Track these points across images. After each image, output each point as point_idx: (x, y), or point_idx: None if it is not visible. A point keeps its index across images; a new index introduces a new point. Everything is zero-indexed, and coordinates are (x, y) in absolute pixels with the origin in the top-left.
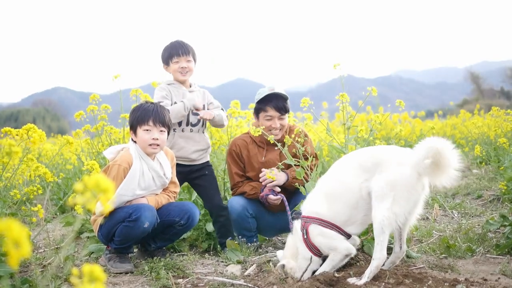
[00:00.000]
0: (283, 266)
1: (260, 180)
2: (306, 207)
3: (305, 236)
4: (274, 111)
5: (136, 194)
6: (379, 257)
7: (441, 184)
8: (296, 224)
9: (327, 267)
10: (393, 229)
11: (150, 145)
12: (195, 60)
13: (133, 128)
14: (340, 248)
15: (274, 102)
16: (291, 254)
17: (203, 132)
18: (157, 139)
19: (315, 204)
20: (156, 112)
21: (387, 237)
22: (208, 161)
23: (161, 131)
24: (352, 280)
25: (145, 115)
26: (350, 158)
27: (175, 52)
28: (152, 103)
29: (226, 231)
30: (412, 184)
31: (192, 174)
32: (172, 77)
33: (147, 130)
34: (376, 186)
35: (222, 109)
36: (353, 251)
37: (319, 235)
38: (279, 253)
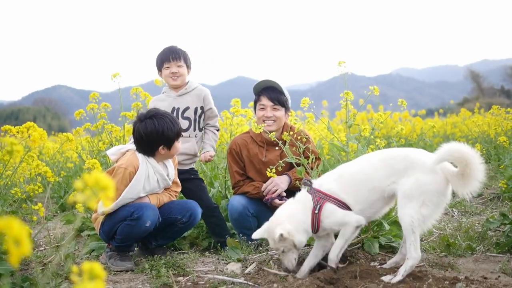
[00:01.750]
0: (282, 234)
1: (264, 192)
2: (324, 185)
3: (316, 212)
4: (267, 100)
5: (139, 196)
6: (414, 257)
7: (465, 193)
8: (306, 194)
9: (340, 243)
10: (422, 230)
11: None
12: (187, 65)
13: (170, 144)
14: (351, 221)
15: (267, 92)
16: (290, 222)
17: (195, 138)
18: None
19: (334, 186)
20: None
21: (418, 237)
22: (193, 168)
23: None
24: (386, 278)
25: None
26: (382, 157)
27: (165, 58)
28: (163, 116)
29: (221, 230)
30: (441, 190)
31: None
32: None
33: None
34: (405, 187)
35: (216, 130)
36: (363, 222)
37: (332, 214)
38: (256, 234)
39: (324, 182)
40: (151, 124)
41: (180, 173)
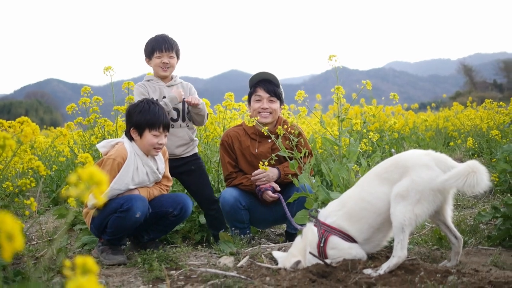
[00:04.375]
0: (299, 262)
1: (252, 178)
2: (329, 218)
3: (322, 245)
4: (263, 92)
5: (129, 188)
6: (399, 255)
7: (466, 192)
8: (312, 228)
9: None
10: (413, 228)
11: (155, 148)
12: (178, 56)
13: (140, 129)
14: (353, 254)
15: (264, 84)
16: (300, 256)
17: (187, 126)
18: (163, 144)
19: (338, 218)
20: (165, 117)
21: (407, 236)
22: (195, 154)
23: (165, 135)
24: (367, 271)
25: (156, 120)
26: (376, 173)
27: (158, 47)
28: (157, 104)
29: (219, 223)
30: (438, 188)
31: (178, 169)
32: (153, 71)
33: (156, 135)
34: (400, 187)
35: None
36: (365, 258)
37: (336, 247)
38: (276, 253)
39: (329, 214)
40: (137, 103)
41: (183, 163)
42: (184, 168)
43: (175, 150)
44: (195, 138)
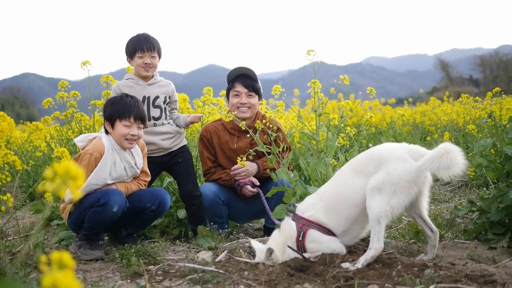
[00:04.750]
0: (272, 250)
1: (232, 173)
2: (306, 212)
3: (301, 239)
4: (242, 87)
5: (107, 183)
6: (376, 248)
7: (444, 177)
8: (290, 222)
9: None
10: (389, 220)
11: (127, 139)
12: (159, 56)
13: (112, 120)
14: (332, 247)
15: (242, 79)
16: (277, 249)
17: (168, 123)
18: (135, 135)
19: (316, 212)
20: (138, 108)
21: (383, 228)
22: (184, 146)
23: (139, 127)
24: (345, 265)
25: (127, 110)
26: (352, 166)
27: (139, 47)
28: (131, 97)
29: (198, 218)
30: (413, 179)
31: (169, 162)
32: (133, 69)
33: (127, 126)
34: (375, 180)
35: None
36: (344, 252)
37: (315, 241)
38: (254, 242)
39: (307, 208)
40: (112, 97)
41: (172, 156)
42: (173, 161)
43: (162, 142)
44: (181, 130)
